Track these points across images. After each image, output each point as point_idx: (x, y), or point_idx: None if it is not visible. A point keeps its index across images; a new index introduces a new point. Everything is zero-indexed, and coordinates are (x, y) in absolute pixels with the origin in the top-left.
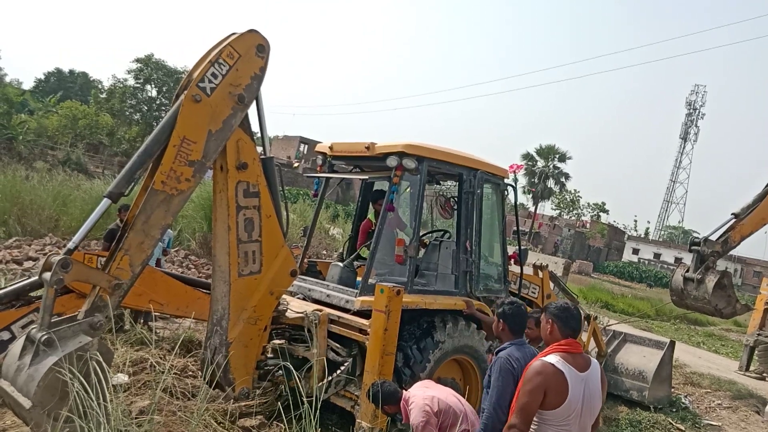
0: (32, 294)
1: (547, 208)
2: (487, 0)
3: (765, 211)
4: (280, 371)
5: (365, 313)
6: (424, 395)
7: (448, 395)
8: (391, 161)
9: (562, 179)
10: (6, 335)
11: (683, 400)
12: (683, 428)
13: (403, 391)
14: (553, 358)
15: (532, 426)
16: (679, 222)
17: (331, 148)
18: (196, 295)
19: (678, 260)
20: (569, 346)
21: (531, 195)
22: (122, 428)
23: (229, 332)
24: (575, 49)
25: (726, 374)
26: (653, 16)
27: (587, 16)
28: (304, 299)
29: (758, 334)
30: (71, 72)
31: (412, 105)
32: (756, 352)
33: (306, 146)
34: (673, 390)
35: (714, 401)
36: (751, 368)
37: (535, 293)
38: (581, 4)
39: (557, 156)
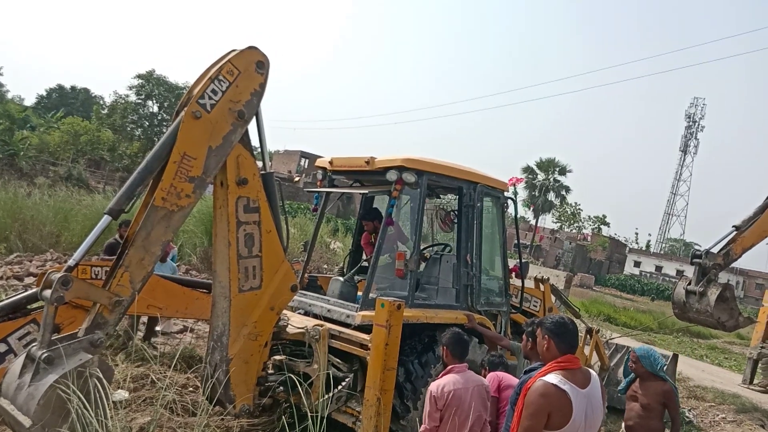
0: (29, 306)
1: (547, 221)
2: (485, 19)
3: (766, 223)
4: (281, 387)
5: (366, 328)
6: (445, 384)
7: (469, 394)
8: (391, 175)
9: (563, 192)
10: (2, 347)
11: (687, 414)
12: None
13: (457, 365)
14: (554, 378)
15: None
16: (680, 234)
17: (331, 162)
18: (194, 296)
19: (680, 273)
20: (568, 363)
21: (531, 209)
22: None
23: (229, 348)
24: (573, 63)
25: (730, 387)
26: (652, 30)
27: (585, 29)
28: (304, 314)
29: (761, 347)
30: (73, 88)
31: (414, 119)
32: (759, 365)
33: (307, 160)
34: None
35: (718, 415)
36: (755, 381)
37: (536, 307)
38: (578, 18)
39: (557, 169)
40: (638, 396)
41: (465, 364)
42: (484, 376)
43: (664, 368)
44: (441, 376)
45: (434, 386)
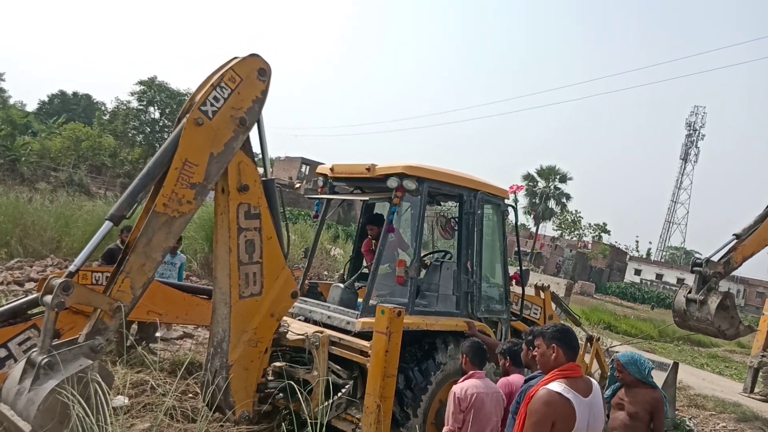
0: (30, 312)
1: (548, 229)
2: (486, 27)
3: (766, 231)
4: (281, 394)
5: (366, 335)
6: (468, 386)
7: (489, 399)
8: (392, 182)
9: (563, 200)
10: (3, 352)
11: (687, 423)
12: None
13: (477, 371)
14: (558, 386)
15: None
16: (680, 243)
17: (332, 169)
18: (194, 302)
19: (680, 281)
20: (571, 371)
21: (532, 216)
22: None
23: (229, 354)
24: (574, 72)
25: (730, 396)
26: (653, 38)
27: (587, 38)
28: (305, 321)
29: (762, 356)
30: (75, 94)
31: (415, 126)
32: (760, 373)
33: (308, 167)
34: (677, 412)
35: (719, 424)
36: (756, 390)
37: (536, 314)
38: (579, 27)
39: (558, 177)
40: (624, 404)
41: (483, 371)
42: (503, 366)
43: (653, 371)
44: (462, 381)
45: (457, 388)
